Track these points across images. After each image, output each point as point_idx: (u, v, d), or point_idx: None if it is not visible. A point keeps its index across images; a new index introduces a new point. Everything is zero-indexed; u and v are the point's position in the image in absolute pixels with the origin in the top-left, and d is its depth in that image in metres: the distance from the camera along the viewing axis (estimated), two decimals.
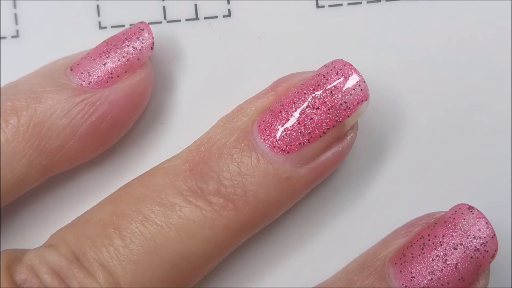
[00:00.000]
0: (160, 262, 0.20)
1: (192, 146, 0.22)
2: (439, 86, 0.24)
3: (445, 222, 0.22)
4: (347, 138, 0.22)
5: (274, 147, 0.21)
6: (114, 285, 0.20)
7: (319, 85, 0.21)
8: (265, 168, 0.21)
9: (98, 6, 0.25)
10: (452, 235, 0.21)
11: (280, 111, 0.21)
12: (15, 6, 0.25)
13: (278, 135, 0.21)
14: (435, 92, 0.24)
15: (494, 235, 0.21)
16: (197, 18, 0.25)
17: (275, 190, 0.21)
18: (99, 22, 0.25)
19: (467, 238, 0.21)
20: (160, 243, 0.20)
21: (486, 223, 0.21)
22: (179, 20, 0.25)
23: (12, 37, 0.25)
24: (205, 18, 0.25)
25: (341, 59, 0.22)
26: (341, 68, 0.21)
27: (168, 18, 0.25)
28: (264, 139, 0.21)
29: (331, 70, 0.21)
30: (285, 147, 0.21)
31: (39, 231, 0.22)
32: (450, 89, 0.24)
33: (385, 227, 0.24)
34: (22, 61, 0.24)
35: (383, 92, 0.25)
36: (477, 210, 0.21)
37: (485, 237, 0.21)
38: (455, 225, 0.21)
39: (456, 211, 0.22)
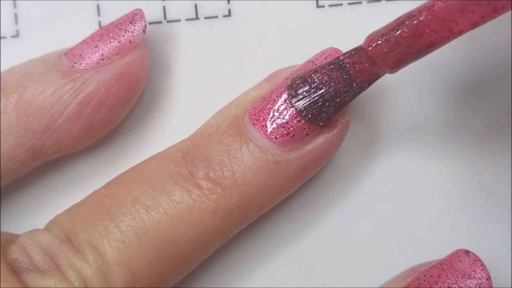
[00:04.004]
0: (148, 243, 0.20)
1: (188, 137, 0.23)
2: (439, 85, 0.24)
3: (441, 264, 0.22)
4: (338, 124, 0.22)
5: (263, 131, 0.21)
6: (102, 263, 0.20)
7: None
8: (253, 152, 0.21)
9: (98, 6, 0.25)
10: (448, 275, 0.22)
11: (270, 96, 0.22)
12: (15, 6, 0.25)
13: (268, 120, 0.21)
14: (434, 91, 0.24)
15: (489, 277, 0.22)
16: (197, 18, 0.25)
17: (264, 174, 0.21)
18: (99, 22, 0.25)
19: (462, 278, 0.22)
20: (149, 224, 0.20)
21: (482, 265, 0.22)
22: (179, 20, 0.25)
23: (12, 37, 0.25)
24: (205, 18, 0.25)
25: (332, 47, 0.22)
26: (330, 53, 0.22)
27: (168, 18, 0.25)
28: (254, 123, 0.21)
29: (321, 56, 0.22)
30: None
31: (37, 225, 0.22)
32: (449, 88, 0.24)
33: (381, 224, 0.24)
34: (22, 61, 0.24)
35: (382, 92, 0.25)
36: (473, 253, 0.22)
37: (479, 278, 0.22)
38: (451, 266, 0.22)
39: (453, 255, 0.23)
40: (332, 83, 0.20)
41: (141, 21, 0.23)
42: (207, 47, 0.25)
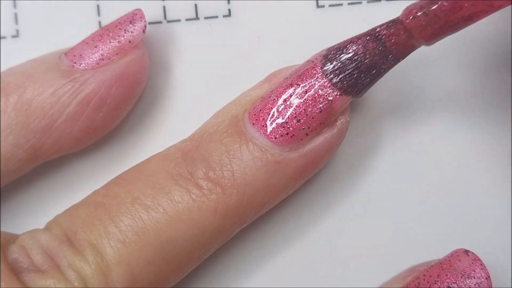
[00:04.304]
0: (148, 243, 0.20)
1: (188, 137, 0.23)
2: (438, 85, 0.24)
3: (441, 263, 0.22)
4: (337, 124, 0.22)
5: (263, 131, 0.21)
6: (102, 263, 0.20)
7: (307, 69, 0.22)
8: (253, 151, 0.21)
9: (98, 6, 0.25)
10: (447, 275, 0.22)
11: (270, 96, 0.22)
12: (15, 6, 0.25)
13: (267, 119, 0.21)
14: (433, 91, 0.24)
15: (489, 277, 0.22)
16: (197, 18, 0.25)
17: (264, 174, 0.21)
18: (99, 22, 0.25)
19: (461, 277, 0.22)
20: (149, 224, 0.20)
21: (481, 264, 0.22)
22: (179, 20, 0.25)
23: (12, 37, 0.25)
24: (205, 18, 0.25)
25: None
26: None
27: (168, 18, 0.25)
28: (254, 123, 0.21)
29: (320, 55, 0.22)
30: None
31: (37, 224, 0.22)
32: (449, 88, 0.24)
33: (380, 224, 0.24)
34: (22, 61, 0.24)
35: (383, 90, 0.25)
36: (472, 253, 0.22)
37: (479, 277, 0.22)
38: (450, 266, 0.22)
39: (452, 255, 0.22)
40: (367, 55, 0.20)
41: (141, 21, 0.23)
42: (207, 47, 0.25)
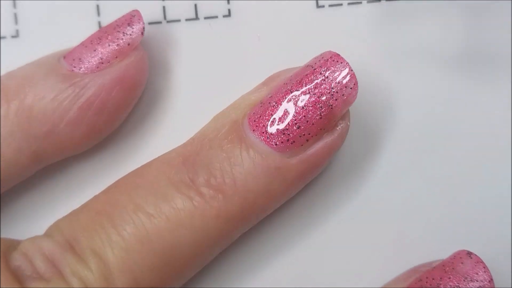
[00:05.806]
0: (151, 250, 0.20)
1: (187, 141, 0.23)
2: (439, 86, 0.24)
3: (443, 265, 0.22)
4: (337, 128, 0.22)
5: (263, 137, 0.21)
6: (105, 271, 0.20)
7: (306, 74, 0.22)
8: (254, 158, 0.21)
9: (98, 6, 0.25)
10: (450, 277, 0.22)
11: (269, 102, 0.22)
12: (15, 6, 0.25)
13: (267, 126, 0.21)
14: (434, 92, 0.24)
15: (492, 279, 0.22)
16: (197, 18, 0.25)
17: (265, 179, 0.21)
18: (99, 22, 0.25)
19: (464, 280, 0.21)
20: (151, 232, 0.21)
21: (484, 267, 0.22)
22: (179, 20, 0.25)
23: (12, 37, 0.25)
24: (205, 18, 0.25)
25: (330, 50, 0.22)
26: (329, 57, 0.22)
27: (168, 18, 0.25)
28: (254, 129, 0.21)
29: (319, 60, 0.22)
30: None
31: (38, 227, 0.22)
32: (449, 89, 0.24)
33: (381, 225, 0.24)
34: (22, 61, 0.24)
35: (383, 92, 0.25)
36: (475, 255, 0.22)
37: (482, 280, 0.21)
38: (453, 268, 0.22)
39: (455, 256, 0.22)
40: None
41: (139, 23, 0.23)
42: (207, 47, 0.25)
